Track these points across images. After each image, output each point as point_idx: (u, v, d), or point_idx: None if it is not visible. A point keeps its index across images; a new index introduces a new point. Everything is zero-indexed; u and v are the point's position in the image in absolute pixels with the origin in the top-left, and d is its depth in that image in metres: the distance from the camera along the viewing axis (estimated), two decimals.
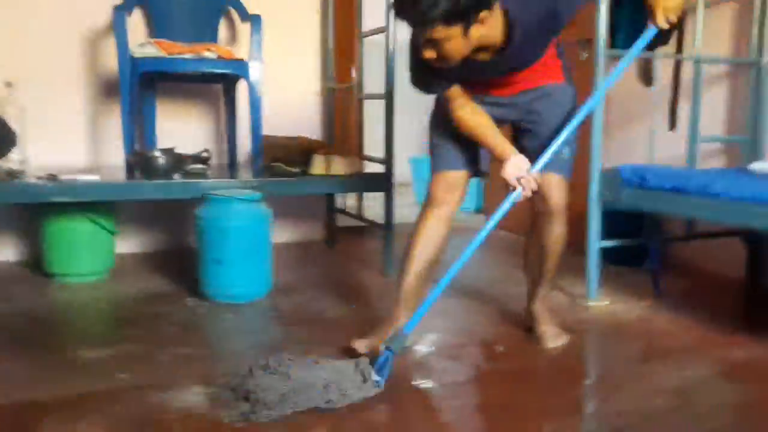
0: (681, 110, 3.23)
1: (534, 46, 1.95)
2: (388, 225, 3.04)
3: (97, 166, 3.00)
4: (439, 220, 2.12)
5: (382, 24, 3.03)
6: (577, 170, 2.17)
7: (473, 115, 2.02)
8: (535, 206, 2.16)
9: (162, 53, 2.83)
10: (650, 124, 2.96)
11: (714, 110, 3.09)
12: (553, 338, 2.23)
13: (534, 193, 1.99)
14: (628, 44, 3.48)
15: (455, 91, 2.00)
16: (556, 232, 2.17)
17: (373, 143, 3.42)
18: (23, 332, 2.27)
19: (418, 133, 3.44)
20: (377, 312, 2.42)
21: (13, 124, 2.89)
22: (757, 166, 2.64)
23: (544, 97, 2.10)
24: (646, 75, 3.52)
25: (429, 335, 2.23)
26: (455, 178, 2.14)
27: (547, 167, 2.03)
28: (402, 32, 3.23)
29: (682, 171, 2.50)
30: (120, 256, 3.11)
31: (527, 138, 2.15)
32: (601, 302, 2.63)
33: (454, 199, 2.14)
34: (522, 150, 2.05)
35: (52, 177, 2.60)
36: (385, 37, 3.02)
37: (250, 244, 2.60)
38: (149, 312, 2.49)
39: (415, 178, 5.50)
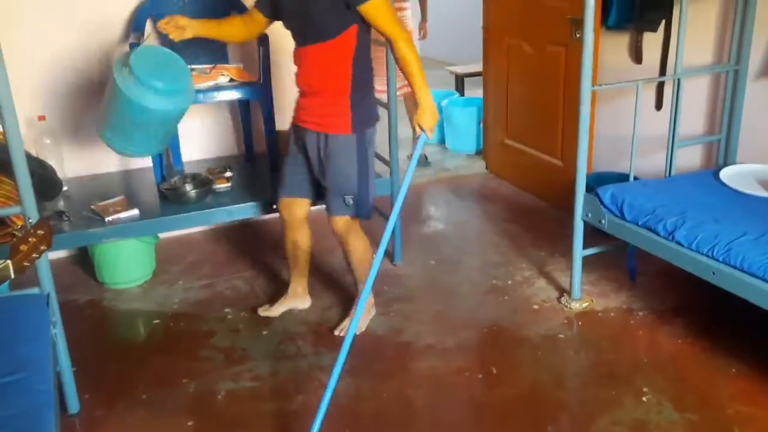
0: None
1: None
2: None
3: (130, 189, 3.29)
4: None
5: None
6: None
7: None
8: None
9: None
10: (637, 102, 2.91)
11: (696, 103, 3.30)
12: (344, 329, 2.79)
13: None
14: (619, 23, 3.67)
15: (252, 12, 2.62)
16: (352, 247, 2.71)
17: None
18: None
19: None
20: None
21: (50, 152, 3.20)
22: (725, 174, 2.93)
23: (332, 149, 2.51)
24: (637, 53, 3.69)
25: None
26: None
27: (331, 211, 2.59)
28: None
29: (657, 196, 2.77)
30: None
31: (321, 174, 2.59)
32: (582, 303, 3.02)
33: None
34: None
35: (96, 215, 2.93)
36: None
37: None
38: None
39: None
